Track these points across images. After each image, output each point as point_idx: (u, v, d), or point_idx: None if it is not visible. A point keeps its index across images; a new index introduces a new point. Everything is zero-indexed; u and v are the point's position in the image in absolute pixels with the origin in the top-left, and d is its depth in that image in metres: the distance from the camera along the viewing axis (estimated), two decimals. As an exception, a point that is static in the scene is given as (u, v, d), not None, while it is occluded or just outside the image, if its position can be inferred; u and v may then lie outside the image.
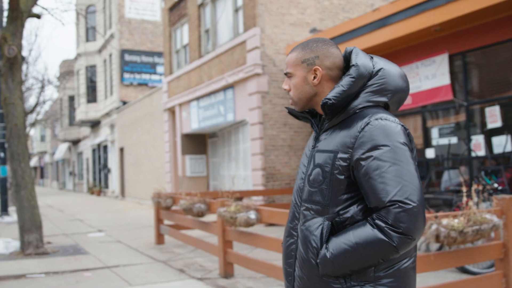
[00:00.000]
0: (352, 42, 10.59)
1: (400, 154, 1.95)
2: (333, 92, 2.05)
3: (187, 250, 9.64)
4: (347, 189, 2.03)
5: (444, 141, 9.96)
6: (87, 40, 34.28)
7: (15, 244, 10.34)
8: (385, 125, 1.98)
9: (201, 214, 7.97)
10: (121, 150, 28.38)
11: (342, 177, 2.02)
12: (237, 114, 14.50)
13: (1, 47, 9.93)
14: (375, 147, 1.95)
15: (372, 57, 2.16)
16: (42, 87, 24.95)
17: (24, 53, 23.09)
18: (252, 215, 6.22)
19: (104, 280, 7.30)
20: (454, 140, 9.78)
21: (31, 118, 30.35)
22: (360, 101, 2.07)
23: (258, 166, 13.36)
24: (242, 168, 15.19)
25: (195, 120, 17.44)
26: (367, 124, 1.99)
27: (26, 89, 25.77)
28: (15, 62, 9.97)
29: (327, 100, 2.05)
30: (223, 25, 15.83)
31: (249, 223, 6.23)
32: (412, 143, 2.08)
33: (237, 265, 7.45)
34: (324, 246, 2.01)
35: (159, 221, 10.52)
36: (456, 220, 4.87)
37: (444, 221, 4.81)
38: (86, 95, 33.77)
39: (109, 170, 31.51)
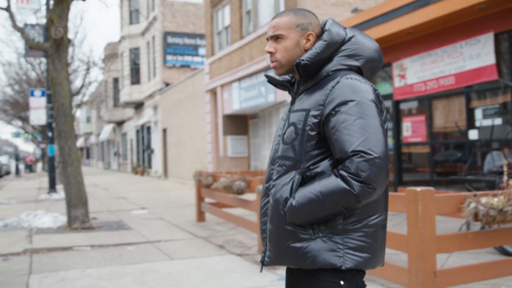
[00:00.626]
0: (394, 22, 10.47)
1: (366, 109, 2.04)
2: (307, 54, 2.18)
3: (227, 228, 9.81)
4: (318, 144, 2.13)
5: (488, 122, 9.78)
6: (131, 22, 34.73)
7: (63, 219, 10.72)
8: (354, 83, 2.09)
9: (240, 191, 8.09)
10: (164, 131, 28.82)
11: (313, 133, 2.12)
12: (278, 95, 14.54)
13: (48, 29, 10.22)
14: (343, 103, 2.05)
15: (345, 28, 2.29)
16: (88, 69, 25.46)
17: (70, 35, 23.59)
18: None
19: (147, 254, 7.53)
20: (498, 121, 9.60)
21: (77, 99, 31.04)
22: (333, 64, 2.19)
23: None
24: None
25: (236, 101, 17.56)
26: (338, 82, 2.11)
27: (72, 71, 26.34)
28: (61, 43, 10.25)
29: (300, 60, 2.17)
30: (264, 5, 15.83)
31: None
32: (381, 105, 2.17)
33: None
34: (292, 196, 2.11)
35: (200, 199, 10.71)
36: (495, 199, 4.83)
37: (483, 200, 4.78)
38: (130, 77, 34.32)
39: (152, 151, 32.06)
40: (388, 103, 12.14)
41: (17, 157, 48.50)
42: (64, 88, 10.18)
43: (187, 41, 29.79)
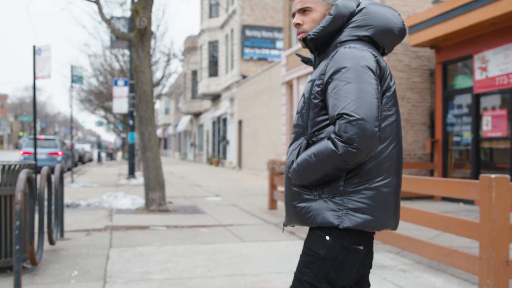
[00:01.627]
0: (476, 12, 10.18)
1: (357, 74, 2.12)
2: (314, 29, 2.29)
3: (298, 216, 9.92)
4: (321, 112, 2.24)
5: None
6: (210, 16, 35.42)
7: (141, 201, 11.20)
8: (351, 51, 2.17)
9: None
10: (240, 122, 29.24)
11: (317, 101, 2.24)
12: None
13: (133, 19, 10.67)
14: (338, 70, 2.15)
15: (359, 2, 2.35)
16: (168, 61, 26.24)
17: (152, 28, 24.37)
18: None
19: (219, 236, 7.76)
20: None
21: (157, 90, 32.04)
22: (343, 36, 2.28)
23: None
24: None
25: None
26: (337, 52, 2.20)
27: (154, 63, 27.19)
28: (145, 33, 10.68)
29: (307, 35, 2.30)
30: (343, -2, 15.75)
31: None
32: (384, 72, 2.22)
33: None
34: (295, 160, 2.26)
35: (273, 187, 10.87)
36: None
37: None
38: (208, 69, 35.03)
39: (227, 142, 32.62)
40: (467, 97, 11.83)
41: (99, 145, 50.68)
42: (146, 76, 10.60)
43: (265, 34, 30.05)
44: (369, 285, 2.49)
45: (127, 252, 6.49)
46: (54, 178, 7.06)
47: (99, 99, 41.77)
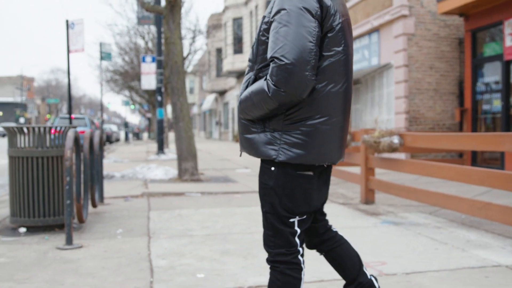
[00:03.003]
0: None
1: (293, 17, 2.18)
2: None
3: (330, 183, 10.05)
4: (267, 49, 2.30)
5: None
6: (234, -7, 35.35)
7: (173, 172, 11.44)
8: None
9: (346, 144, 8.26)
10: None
11: (264, 38, 2.33)
12: (382, 57, 14.44)
13: (162, -8, 10.81)
14: (278, 11, 2.22)
15: None
16: (194, 38, 26.36)
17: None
18: (396, 139, 6.43)
19: (253, 200, 7.94)
20: None
21: (182, 68, 32.19)
22: None
23: (402, 109, 13.31)
24: (385, 113, 15.18)
25: (338, 66, 17.60)
26: None
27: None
28: (175, 5, 10.80)
29: None
30: (370, -32, 15.66)
31: (392, 147, 6.45)
32: (326, 11, 2.24)
33: (377, 196, 7.78)
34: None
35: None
36: None
37: None
38: (232, 46, 35.06)
39: (253, 119, 32.73)
40: (497, 65, 11.76)
41: (126, 124, 51.24)
42: (177, 47, 10.76)
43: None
44: (325, 221, 2.69)
45: (166, 214, 6.72)
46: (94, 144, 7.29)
47: (124, 78, 42.15)
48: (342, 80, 2.34)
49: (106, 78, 43.87)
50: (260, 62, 2.34)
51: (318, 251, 2.69)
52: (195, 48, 29.24)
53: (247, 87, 2.37)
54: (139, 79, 32.11)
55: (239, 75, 36.49)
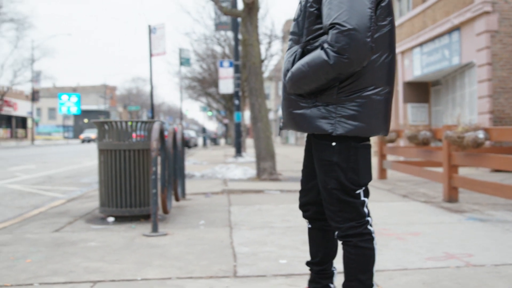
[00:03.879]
0: None
1: None
2: None
3: (409, 184, 9.86)
4: (317, 20, 2.25)
5: None
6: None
7: (252, 172, 11.58)
8: None
9: (426, 141, 8.10)
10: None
11: (312, 9, 2.25)
12: (463, 56, 14.01)
13: (240, -5, 11.01)
14: None
15: None
16: (270, 43, 26.58)
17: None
18: (481, 134, 6.22)
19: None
20: None
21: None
22: None
23: (485, 109, 12.85)
24: (467, 113, 14.70)
25: (417, 67, 17.22)
26: None
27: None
28: (253, 7, 10.97)
29: None
30: (451, -35, 15.25)
31: (477, 142, 6.25)
32: None
33: (460, 195, 7.56)
34: (291, 68, 2.29)
35: (382, 156, 10.85)
36: None
37: None
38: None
39: (329, 123, 32.56)
40: None
41: (204, 130, 52.29)
42: (255, 48, 10.91)
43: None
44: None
45: (247, 208, 6.81)
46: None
47: (202, 85, 43.01)
48: (389, 51, 2.32)
49: (185, 85, 44.96)
50: (308, 34, 2.32)
51: (310, 222, 2.66)
52: (271, 53, 29.47)
53: (294, 61, 2.33)
54: (216, 86, 32.73)
55: (315, 79, 36.38)
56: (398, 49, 18.69)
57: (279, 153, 26.37)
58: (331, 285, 2.66)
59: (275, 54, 30.74)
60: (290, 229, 5.33)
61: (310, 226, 2.66)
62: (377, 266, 3.81)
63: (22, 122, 66.53)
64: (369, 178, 2.38)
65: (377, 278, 3.50)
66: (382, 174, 10.86)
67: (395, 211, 6.52)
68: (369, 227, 2.39)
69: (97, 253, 4.33)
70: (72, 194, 9.08)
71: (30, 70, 53.77)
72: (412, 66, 17.73)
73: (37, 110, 75.30)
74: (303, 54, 2.31)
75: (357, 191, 2.35)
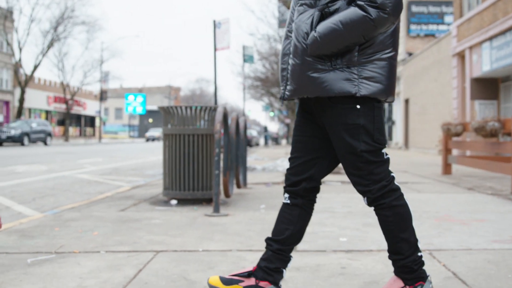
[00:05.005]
0: None
1: None
2: None
3: (475, 178, 9.58)
4: None
5: None
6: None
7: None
8: None
9: (494, 132, 7.85)
10: (406, 101, 28.55)
11: None
12: (536, 50, 13.47)
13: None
14: None
15: None
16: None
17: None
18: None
19: (395, 189, 7.79)
20: None
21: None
22: None
23: (559, 104, 12.31)
24: (539, 110, 14.13)
25: (486, 62, 16.68)
26: None
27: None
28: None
29: None
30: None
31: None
32: None
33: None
34: (313, 29, 2.21)
35: (447, 151, 10.58)
36: None
37: None
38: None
39: (393, 122, 32.01)
40: None
41: (266, 129, 52.54)
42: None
43: (432, 9, 28.93)
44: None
45: (307, 196, 6.80)
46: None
47: (264, 84, 43.25)
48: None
49: (248, 84, 45.32)
50: None
51: (292, 197, 2.54)
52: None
53: (312, 24, 2.24)
54: (278, 85, 32.79)
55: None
56: (465, 45, 18.18)
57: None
58: (283, 270, 2.53)
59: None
60: (351, 214, 5.30)
61: (289, 202, 2.55)
62: (440, 245, 3.76)
63: (90, 121, 68.85)
64: (385, 137, 2.38)
65: (439, 256, 3.44)
66: (447, 169, 10.58)
67: (459, 202, 6.35)
68: (396, 182, 2.38)
69: (160, 229, 4.45)
70: (137, 183, 9.33)
71: (99, 71, 55.62)
72: (480, 61, 17.19)
73: (104, 110, 77.75)
74: (321, 17, 2.26)
75: (383, 150, 2.35)
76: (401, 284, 2.39)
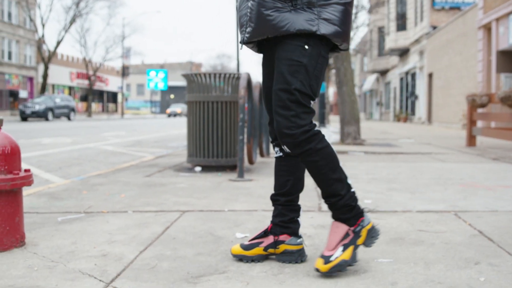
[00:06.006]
0: None
1: None
2: None
3: (501, 150, 9.49)
4: None
5: None
6: (398, -32, 34.29)
7: (335, 137, 11.55)
8: None
9: (520, 101, 7.74)
10: (430, 75, 28.19)
11: None
12: None
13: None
14: None
15: None
16: (356, 13, 26.12)
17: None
18: None
19: (418, 159, 7.76)
20: None
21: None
22: None
23: None
24: None
25: (513, 34, 16.37)
26: None
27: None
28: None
29: None
30: None
31: None
32: None
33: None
34: None
35: (471, 122, 10.47)
36: None
37: None
38: (396, 22, 34.12)
39: (416, 97, 31.69)
40: None
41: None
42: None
43: (458, -19, 28.38)
44: None
45: (330, 165, 6.81)
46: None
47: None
48: None
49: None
50: None
51: (280, 150, 2.52)
52: (357, 25, 28.92)
53: None
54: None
55: (402, 53, 35.43)
56: (492, 16, 17.84)
57: (363, 126, 26.02)
58: (298, 219, 2.55)
59: (361, 25, 30.11)
60: (374, 180, 5.30)
61: (281, 154, 2.54)
62: (465, 207, 3.76)
63: (113, 97, 69.34)
64: (318, 92, 2.34)
65: (465, 217, 3.44)
66: (471, 141, 10.48)
67: (484, 170, 6.31)
68: (317, 128, 2.32)
69: (186, 192, 4.50)
70: (160, 154, 9.42)
71: (120, 46, 55.82)
72: (507, 33, 16.87)
73: (126, 86, 78.16)
74: None
75: (312, 101, 2.31)
76: (345, 227, 2.32)
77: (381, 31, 41.61)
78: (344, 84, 10.73)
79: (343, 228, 2.32)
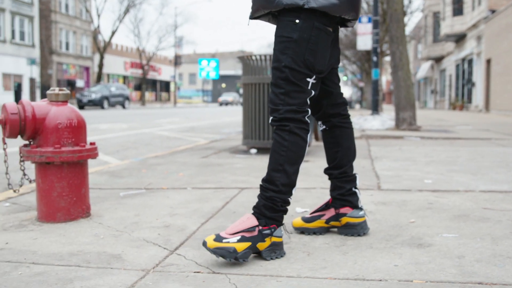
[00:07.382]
0: None
1: None
2: None
3: None
4: None
5: None
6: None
7: (390, 123, 11.36)
8: None
9: None
10: (488, 61, 27.34)
11: None
12: None
13: None
14: None
15: None
16: (410, -1, 25.60)
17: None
18: None
19: (478, 143, 7.56)
20: None
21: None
22: None
23: None
24: None
25: None
26: None
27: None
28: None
29: None
30: None
31: None
32: None
33: None
34: None
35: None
36: None
37: None
38: (452, 7, 33.20)
39: (473, 84, 30.82)
40: None
41: (338, 93, 51.87)
42: (396, -6, 10.56)
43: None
44: (339, 80, 2.47)
45: (387, 148, 6.74)
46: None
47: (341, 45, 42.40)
48: None
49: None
50: None
51: (324, 122, 2.46)
52: (411, 10, 28.28)
53: None
54: (352, 47, 32.21)
55: (458, 38, 34.48)
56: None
57: (418, 114, 25.55)
58: (356, 190, 2.48)
59: (415, 11, 29.41)
60: (433, 162, 5.20)
61: (325, 127, 2.49)
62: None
63: (165, 86, 70.39)
64: (323, 65, 2.22)
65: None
66: (534, 126, 10.10)
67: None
68: (307, 118, 2.22)
69: (243, 171, 4.54)
70: (214, 139, 9.51)
71: (173, 36, 56.49)
72: None
73: (179, 75, 79.20)
74: None
75: (308, 79, 2.20)
76: (256, 222, 2.16)
77: (436, 16, 40.56)
78: (400, 68, 10.53)
79: (253, 221, 2.16)
